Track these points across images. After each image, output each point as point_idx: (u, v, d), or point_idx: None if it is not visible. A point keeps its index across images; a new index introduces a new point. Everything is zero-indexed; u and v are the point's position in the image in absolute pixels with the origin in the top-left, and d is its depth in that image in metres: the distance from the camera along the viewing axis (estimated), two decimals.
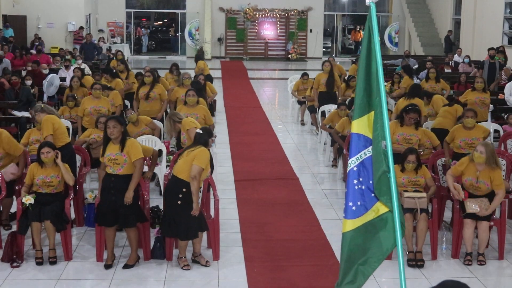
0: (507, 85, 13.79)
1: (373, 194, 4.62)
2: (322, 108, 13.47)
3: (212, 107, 14.74)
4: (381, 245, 4.61)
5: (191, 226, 7.11)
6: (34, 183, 7.52)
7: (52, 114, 8.59)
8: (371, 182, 4.62)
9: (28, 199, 7.27)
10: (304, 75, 15.69)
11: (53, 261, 7.32)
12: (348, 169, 4.68)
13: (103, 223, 7.29)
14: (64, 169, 7.56)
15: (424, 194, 7.56)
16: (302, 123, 15.71)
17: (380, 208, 4.62)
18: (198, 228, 7.20)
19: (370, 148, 4.63)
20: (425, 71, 17.18)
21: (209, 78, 15.22)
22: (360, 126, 4.66)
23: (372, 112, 4.62)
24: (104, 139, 7.39)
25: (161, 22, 39.41)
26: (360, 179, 4.63)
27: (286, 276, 7.10)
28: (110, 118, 7.40)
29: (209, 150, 7.37)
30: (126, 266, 7.28)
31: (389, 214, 4.59)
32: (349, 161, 4.67)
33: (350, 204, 4.63)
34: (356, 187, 4.63)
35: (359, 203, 4.63)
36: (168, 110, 13.91)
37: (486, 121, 11.77)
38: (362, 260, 4.62)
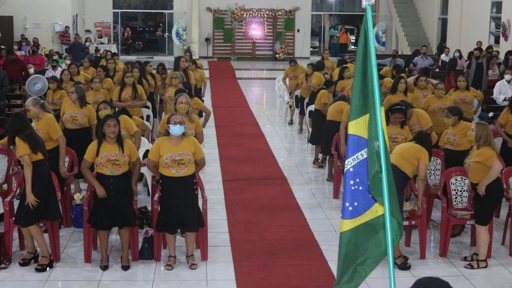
0: (497, 84, 13.84)
1: (370, 195, 4.66)
2: (310, 108, 13.44)
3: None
4: (380, 246, 4.64)
5: (199, 213, 7.27)
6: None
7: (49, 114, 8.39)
8: (368, 183, 4.66)
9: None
10: (292, 61, 15.73)
11: (40, 269, 7.16)
12: (345, 170, 4.73)
13: (101, 227, 7.15)
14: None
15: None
16: (291, 122, 15.71)
17: (378, 209, 4.66)
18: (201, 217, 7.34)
19: (366, 149, 4.67)
20: (420, 56, 18.93)
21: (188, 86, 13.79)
22: (357, 127, 4.69)
23: (369, 114, 4.64)
24: (98, 139, 7.12)
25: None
26: (357, 180, 4.67)
27: (274, 275, 7.10)
28: (110, 117, 7.14)
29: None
30: (125, 268, 7.21)
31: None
32: (346, 161, 4.73)
33: (347, 204, 4.68)
34: (352, 187, 4.68)
35: (355, 203, 4.66)
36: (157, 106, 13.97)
37: (473, 119, 11.78)
38: (361, 260, 4.67)
